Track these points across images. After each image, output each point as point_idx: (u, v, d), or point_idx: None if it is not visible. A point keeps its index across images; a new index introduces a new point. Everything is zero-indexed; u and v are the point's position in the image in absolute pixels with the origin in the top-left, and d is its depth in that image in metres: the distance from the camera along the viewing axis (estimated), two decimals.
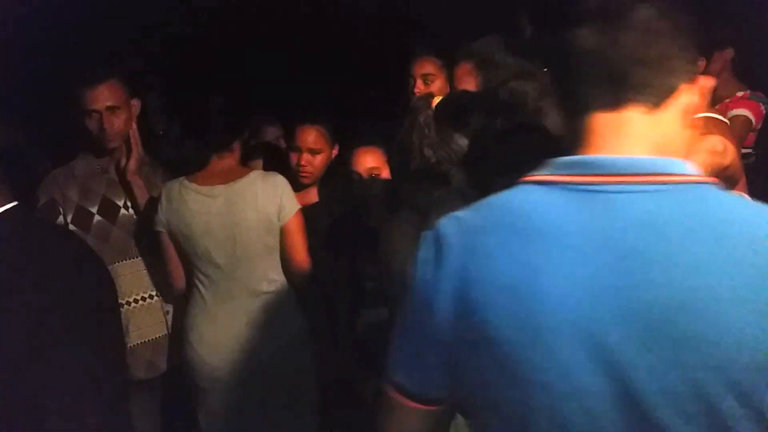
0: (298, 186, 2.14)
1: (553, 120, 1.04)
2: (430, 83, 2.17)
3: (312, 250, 1.86)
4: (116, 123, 1.86)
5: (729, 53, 2.31)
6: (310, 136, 2.09)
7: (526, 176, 0.72)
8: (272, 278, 1.88)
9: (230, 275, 1.84)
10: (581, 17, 0.67)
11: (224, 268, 1.83)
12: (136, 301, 1.93)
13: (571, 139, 0.70)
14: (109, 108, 1.84)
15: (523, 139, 1.03)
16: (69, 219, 1.87)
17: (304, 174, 2.10)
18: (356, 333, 1.83)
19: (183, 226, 1.83)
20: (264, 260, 1.86)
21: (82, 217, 1.88)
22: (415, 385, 0.75)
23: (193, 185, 1.85)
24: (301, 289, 1.87)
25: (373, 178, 1.86)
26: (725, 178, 1.01)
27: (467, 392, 0.71)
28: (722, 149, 1.01)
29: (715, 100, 2.21)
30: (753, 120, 2.27)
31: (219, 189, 1.83)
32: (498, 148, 1.05)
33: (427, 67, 2.18)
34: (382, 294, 1.60)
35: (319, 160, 2.10)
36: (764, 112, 2.31)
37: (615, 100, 0.67)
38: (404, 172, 1.29)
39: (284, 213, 1.84)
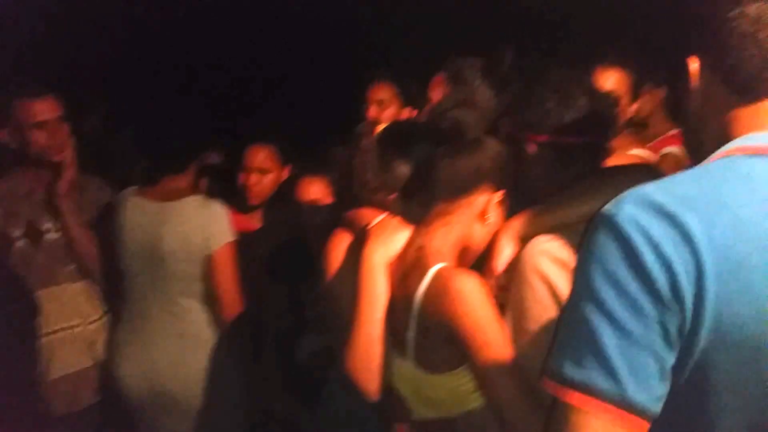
0: (245, 208, 2.13)
1: (490, 149, 1.09)
2: (385, 109, 2.22)
3: (252, 277, 1.84)
4: (51, 139, 1.81)
5: (662, 92, 2.46)
6: (259, 156, 2.08)
7: (724, 151, 0.68)
8: (190, 306, 1.80)
9: (150, 297, 1.79)
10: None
11: (145, 289, 1.79)
12: (59, 330, 1.83)
13: (744, 124, 0.70)
14: (39, 123, 1.79)
15: (461, 168, 1.08)
16: None
17: (251, 194, 2.08)
18: (296, 362, 1.82)
19: (117, 235, 1.80)
20: (184, 287, 1.79)
21: (5, 241, 1.80)
22: (652, 401, 0.61)
23: (136, 198, 1.81)
24: (226, 322, 1.77)
25: (317, 206, 1.85)
26: None
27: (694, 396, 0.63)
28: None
29: (648, 138, 2.35)
30: (684, 157, 2.42)
31: (155, 206, 1.79)
32: (436, 176, 1.10)
33: (382, 92, 2.22)
34: (323, 322, 1.61)
35: (267, 180, 2.09)
36: None
37: None
38: (346, 197, 1.31)
39: (211, 243, 1.74)
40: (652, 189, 0.65)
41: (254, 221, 2.12)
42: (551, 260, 0.98)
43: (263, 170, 2.09)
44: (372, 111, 2.19)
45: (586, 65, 1.61)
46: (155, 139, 1.87)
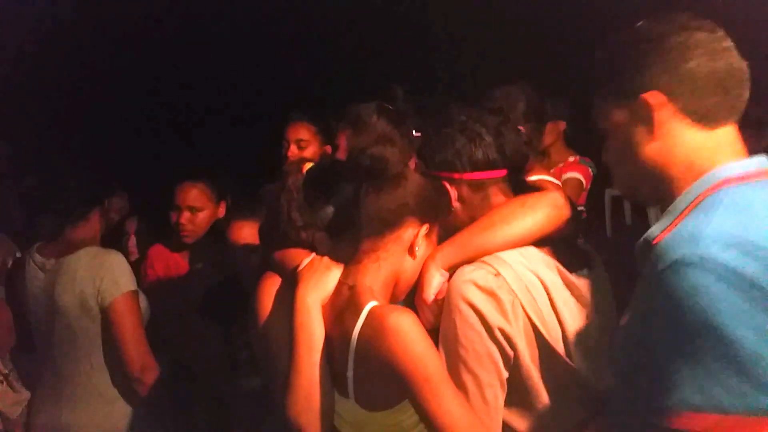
0: (178, 247, 2.06)
1: (413, 183, 1.13)
2: (304, 148, 2.23)
3: (184, 319, 1.77)
4: None
5: (562, 125, 2.70)
6: (191, 194, 2.05)
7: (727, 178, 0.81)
8: (100, 364, 1.70)
9: (61, 357, 1.69)
10: None
11: (55, 349, 1.69)
12: None
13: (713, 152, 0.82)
14: None
15: (386, 203, 1.11)
16: None
17: (184, 233, 2.04)
18: (229, 406, 1.75)
19: (22, 296, 1.72)
20: (90, 344, 1.69)
21: None
22: None
23: (36, 256, 1.73)
24: (135, 377, 1.67)
25: (250, 247, 1.83)
26: (563, 230, 1.15)
27: None
28: (562, 203, 1.16)
29: (550, 165, 2.55)
30: (584, 181, 2.64)
31: (50, 263, 1.70)
32: (362, 213, 1.11)
33: (301, 132, 2.24)
34: (256, 364, 1.56)
35: (200, 218, 2.05)
36: (592, 174, 2.69)
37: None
38: (272, 236, 1.30)
39: (104, 295, 1.65)
40: (717, 230, 0.75)
41: (187, 261, 2.05)
42: (478, 288, 1.02)
43: (194, 208, 2.04)
44: (291, 150, 2.20)
45: (487, 102, 1.73)
46: (46, 190, 1.80)
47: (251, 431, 1.46)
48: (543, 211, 1.11)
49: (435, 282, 1.09)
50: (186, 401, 1.86)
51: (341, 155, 1.67)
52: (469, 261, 1.08)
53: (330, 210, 1.19)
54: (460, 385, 1.01)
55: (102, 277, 1.66)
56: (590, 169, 2.69)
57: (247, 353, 1.66)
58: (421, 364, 0.97)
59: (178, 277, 2.04)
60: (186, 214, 2.04)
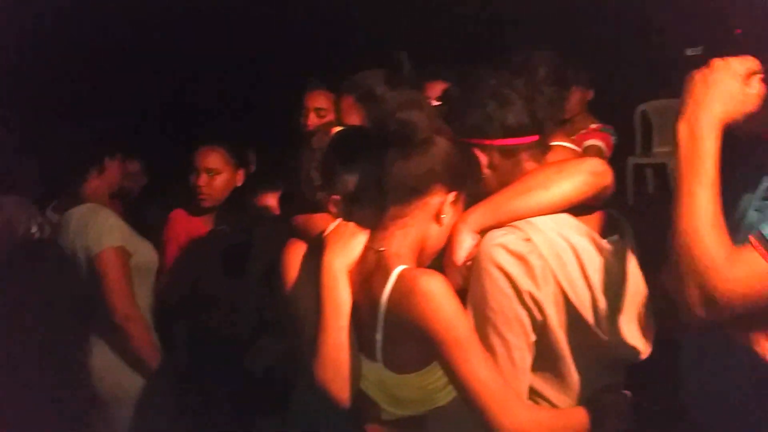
0: (198, 211, 2.10)
1: (441, 148, 1.11)
2: (323, 117, 2.21)
3: (201, 281, 1.81)
4: None
5: (589, 94, 2.67)
6: (209, 157, 2.07)
7: None
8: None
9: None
10: None
11: None
12: None
13: None
14: None
15: (413, 170, 1.10)
16: None
17: (201, 196, 2.06)
18: (250, 370, 1.78)
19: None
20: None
21: None
22: None
23: (51, 213, 1.93)
24: (120, 328, 1.79)
25: (271, 217, 1.84)
26: (602, 197, 1.14)
27: None
28: (602, 170, 1.13)
29: (572, 132, 2.51)
30: (605, 149, 2.60)
31: (59, 218, 1.87)
32: (388, 180, 1.10)
33: (319, 100, 2.21)
34: (281, 327, 1.58)
35: (218, 182, 2.07)
36: (614, 142, 2.65)
37: None
38: (294, 201, 1.30)
39: (89, 250, 1.77)
40: None
41: (206, 224, 2.08)
42: (508, 253, 1.02)
43: (212, 171, 2.06)
44: (311, 118, 2.18)
45: (519, 67, 1.68)
46: (48, 146, 1.90)
47: (277, 397, 1.49)
48: (581, 177, 1.09)
49: (466, 244, 1.08)
50: (205, 369, 1.90)
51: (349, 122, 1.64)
52: (501, 225, 1.07)
53: (350, 176, 1.18)
54: (489, 348, 1.02)
55: (88, 232, 1.77)
56: (612, 137, 2.64)
57: (272, 317, 1.68)
58: (451, 326, 0.98)
59: (198, 239, 2.08)
60: (203, 177, 2.05)
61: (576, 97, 2.53)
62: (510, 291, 1.01)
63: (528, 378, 1.05)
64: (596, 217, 1.13)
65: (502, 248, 1.02)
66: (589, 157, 1.22)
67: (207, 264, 1.95)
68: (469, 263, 1.07)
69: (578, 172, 1.10)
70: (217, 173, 2.06)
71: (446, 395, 1.07)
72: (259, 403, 1.69)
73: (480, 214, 1.10)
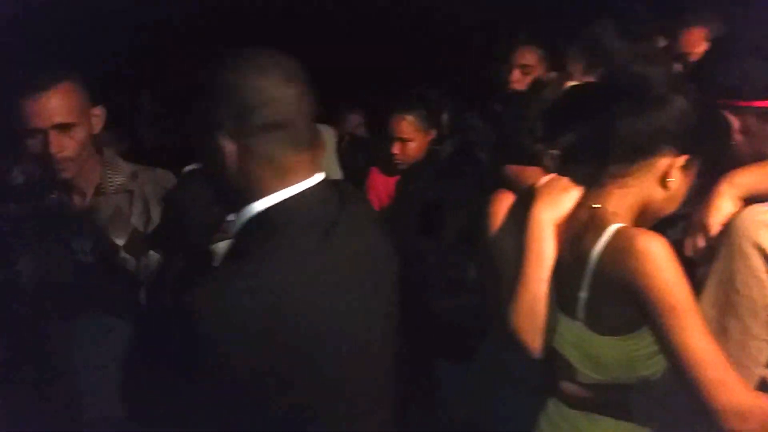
0: (393, 171, 2.22)
1: (677, 107, 1.02)
2: (528, 74, 2.15)
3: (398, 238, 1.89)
4: (69, 144, 1.33)
5: None
6: (400, 125, 2.18)
7: None
8: None
9: None
10: None
11: None
12: None
13: None
14: (59, 126, 1.30)
15: (643, 127, 1.03)
16: None
17: (396, 162, 2.21)
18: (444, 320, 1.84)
19: None
20: None
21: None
22: None
23: None
24: None
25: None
26: None
27: None
28: None
29: None
30: None
31: None
32: (614, 136, 1.05)
33: (527, 56, 2.16)
34: (477, 281, 1.62)
35: (410, 148, 2.19)
36: None
37: None
38: (508, 151, 1.31)
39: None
40: None
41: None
42: None
43: (405, 139, 2.18)
44: (515, 75, 2.15)
45: None
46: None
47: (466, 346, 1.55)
48: None
49: (726, 209, 0.99)
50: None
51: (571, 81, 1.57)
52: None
53: (574, 130, 1.15)
54: (721, 330, 0.94)
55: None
56: None
57: (465, 272, 1.74)
58: (668, 290, 0.91)
59: (394, 198, 2.21)
60: (398, 145, 2.18)
61: None
62: (764, 276, 0.90)
63: (760, 372, 0.94)
64: None
65: (766, 227, 0.91)
66: None
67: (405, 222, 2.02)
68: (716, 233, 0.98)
69: None
70: (410, 141, 2.17)
71: (652, 365, 1.01)
72: (448, 349, 1.77)
73: (751, 179, 1.00)
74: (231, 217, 0.91)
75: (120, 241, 1.44)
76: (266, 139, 0.84)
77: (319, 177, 0.89)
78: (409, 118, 2.20)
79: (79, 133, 1.35)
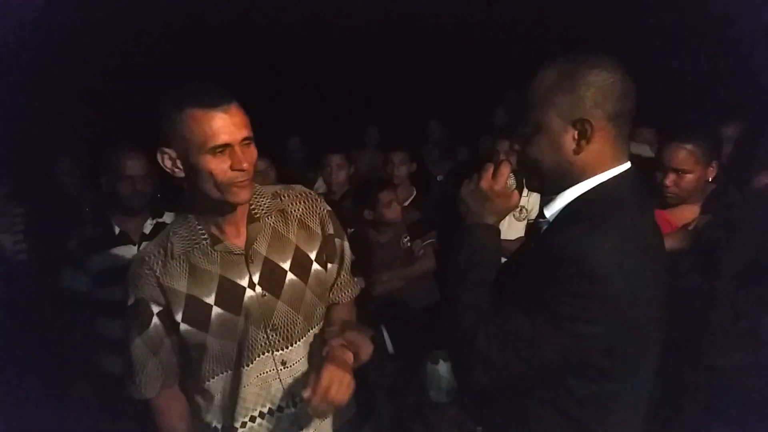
0: (664, 204, 2.02)
1: None
2: None
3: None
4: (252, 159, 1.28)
5: None
6: (677, 156, 1.96)
7: None
8: None
9: None
10: None
11: None
12: (262, 415, 1.40)
13: None
14: (245, 141, 1.26)
15: None
16: (179, 317, 1.34)
17: (668, 194, 1.99)
18: None
19: None
20: None
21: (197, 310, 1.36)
22: None
23: None
24: None
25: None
26: None
27: None
28: None
29: None
30: None
31: None
32: None
33: None
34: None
35: (686, 181, 1.96)
36: None
37: None
38: None
39: None
40: None
41: (674, 217, 2.04)
42: None
43: (680, 170, 1.97)
44: None
45: None
46: None
47: None
48: None
49: None
50: None
51: None
52: None
53: None
54: None
55: None
56: None
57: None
58: None
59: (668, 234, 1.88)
60: (671, 176, 1.97)
61: None
62: None
63: None
64: None
65: None
66: None
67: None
68: None
69: None
70: (687, 172, 1.94)
71: None
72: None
73: None
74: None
75: (285, 265, 1.38)
76: (616, 124, 1.04)
77: (628, 164, 1.08)
78: (689, 148, 1.95)
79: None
